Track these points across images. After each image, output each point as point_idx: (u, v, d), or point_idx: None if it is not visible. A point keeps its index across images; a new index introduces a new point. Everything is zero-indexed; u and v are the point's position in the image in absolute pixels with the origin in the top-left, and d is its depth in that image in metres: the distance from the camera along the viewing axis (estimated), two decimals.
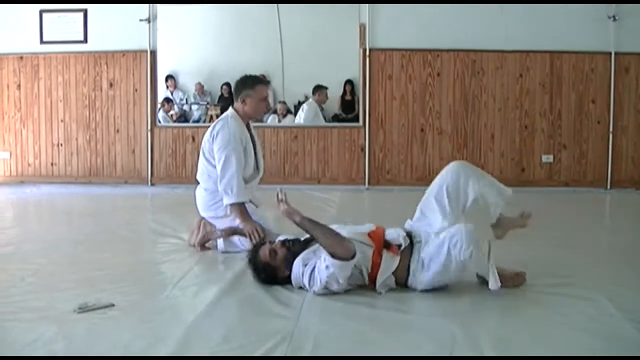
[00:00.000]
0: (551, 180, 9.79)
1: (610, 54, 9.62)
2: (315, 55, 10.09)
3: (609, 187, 9.82)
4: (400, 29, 9.71)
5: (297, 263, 4.32)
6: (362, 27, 9.70)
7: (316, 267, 4.21)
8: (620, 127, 9.78)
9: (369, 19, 9.68)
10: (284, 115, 10.23)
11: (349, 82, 10.05)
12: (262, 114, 5.75)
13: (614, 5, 9.43)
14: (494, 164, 9.75)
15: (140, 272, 5.05)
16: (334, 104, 10.22)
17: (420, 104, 9.81)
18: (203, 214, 5.74)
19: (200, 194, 5.76)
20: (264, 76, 5.75)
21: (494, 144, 9.76)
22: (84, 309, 3.89)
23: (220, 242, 5.62)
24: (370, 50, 9.73)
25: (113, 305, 4.00)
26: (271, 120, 10.19)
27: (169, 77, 10.30)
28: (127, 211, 8.09)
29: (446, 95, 9.77)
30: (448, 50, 9.72)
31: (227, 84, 10.25)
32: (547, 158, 9.79)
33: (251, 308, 4.11)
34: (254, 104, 5.51)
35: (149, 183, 10.09)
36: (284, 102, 10.25)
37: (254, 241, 5.28)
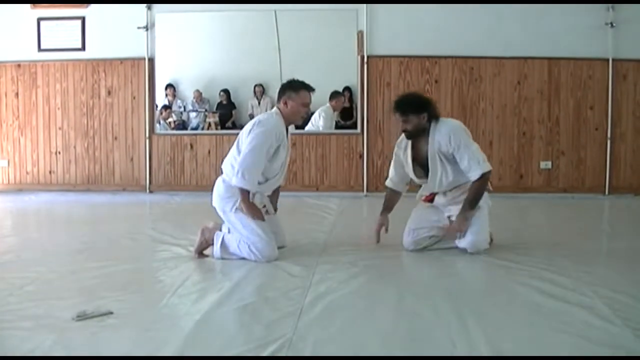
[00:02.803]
0: (549, 186, 9.80)
1: (608, 60, 9.65)
2: (313, 62, 10.07)
3: (607, 193, 9.83)
4: (398, 35, 9.74)
5: None
6: (360, 34, 9.71)
7: None
8: (619, 133, 9.81)
9: (367, 26, 9.69)
10: None
11: (347, 89, 10.06)
12: (299, 120, 5.71)
13: (611, 12, 9.47)
14: (492, 171, 9.74)
15: (139, 280, 5.05)
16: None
17: None
18: (214, 203, 5.71)
19: (219, 183, 5.72)
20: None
21: (492, 151, 9.74)
22: (82, 317, 3.87)
23: (217, 250, 5.61)
24: (368, 57, 9.75)
25: (112, 313, 3.99)
26: None
27: (168, 86, 10.31)
28: (126, 219, 8.07)
29: (444, 102, 9.77)
30: (446, 57, 9.75)
31: (226, 91, 10.28)
32: (546, 164, 9.81)
33: (249, 316, 4.09)
34: (295, 107, 5.55)
35: (148, 191, 10.09)
36: None
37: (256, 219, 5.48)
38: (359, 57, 9.78)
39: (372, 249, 5.64)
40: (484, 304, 4.35)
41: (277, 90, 5.69)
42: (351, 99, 10.06)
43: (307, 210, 8.14)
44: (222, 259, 5.55)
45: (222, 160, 5.74)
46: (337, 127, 10.14)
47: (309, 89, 5.63)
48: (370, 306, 4.30)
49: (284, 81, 5.78)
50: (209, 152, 10.00)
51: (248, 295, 4.53)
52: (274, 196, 5.95)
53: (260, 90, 10.15)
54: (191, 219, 7.36)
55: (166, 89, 10.31)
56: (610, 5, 9.49)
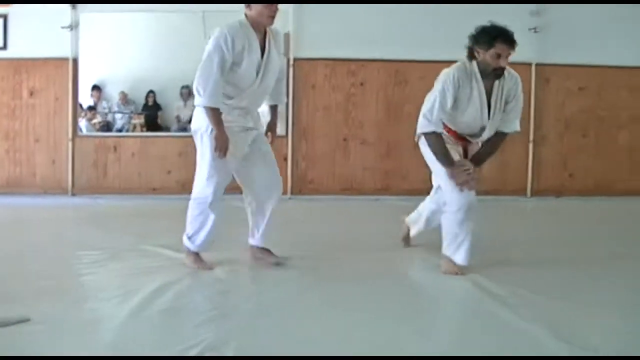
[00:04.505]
0: None
1: (531, 65, 9.80)
2: None
3: (529, 195, 9.99)
4: (325, 38, 9.72)
5: None
6: (287, 36, 9.68)
7: None
8: (541, 136, 9.97)
9: (294, 28, 9.67)
10: None
11: None
12: (267, 20, 5.11)
13: (535, 18, 9.62)
14: (417, 174, 9.75)
15: (62, 284, 4.96)
16: None
17: (343, 114, 9.83)
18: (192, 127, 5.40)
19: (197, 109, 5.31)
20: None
21: (417, 154, 9.74)
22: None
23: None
24: (294, 59, 9.74)
25: (29, 319, 3.93)
26: None
27: (94, 88, 10.18)
28: (49, 223, 7.92)
29: (369, 105, 9.82)
30: (372, 60, 9.77)
31: (152, 92, 10.21)
32: None
33: (171, 320, 4.08)
34: (259, 8, 5.06)
35: (70, 194, 9.93)
36: None
37: (216, 153, 5.09)
38: (286, 59, 9.75)
39: (299, 252, 5.65)
40: (415, 306, 4.41)
41: None
42: None
43: (229, 214, 8.11)
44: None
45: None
46: None
47: None
48: (296, 310, 4.32)
49: None
50: (133, 154, 9.84)
51: (170, 299, 4.51)
52: (272, 118, 5.66)
53: (186, 92, 10.09)
54: (115, 223, 7.29)
55: (92, 90, 10.17)
56: (534, 8, 9.64)
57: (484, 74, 5.29)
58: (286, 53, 9.66)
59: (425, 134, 5.39)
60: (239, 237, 6.62)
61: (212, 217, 5.34)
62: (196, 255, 5.46)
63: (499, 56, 5.21)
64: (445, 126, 5.46)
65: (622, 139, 10.30)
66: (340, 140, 9.85)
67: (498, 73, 5.24)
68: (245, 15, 5.18)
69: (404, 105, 9.79)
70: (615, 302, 4.63)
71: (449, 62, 9.51)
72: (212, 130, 5.06)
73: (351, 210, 8.92)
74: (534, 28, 9.70)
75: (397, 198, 9.38)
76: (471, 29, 9.54)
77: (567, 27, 9.86)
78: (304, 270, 5.41)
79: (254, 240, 5.63)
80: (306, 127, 9.85)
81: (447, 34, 9.59)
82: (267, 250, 5.59)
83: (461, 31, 9.59)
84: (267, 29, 5.24)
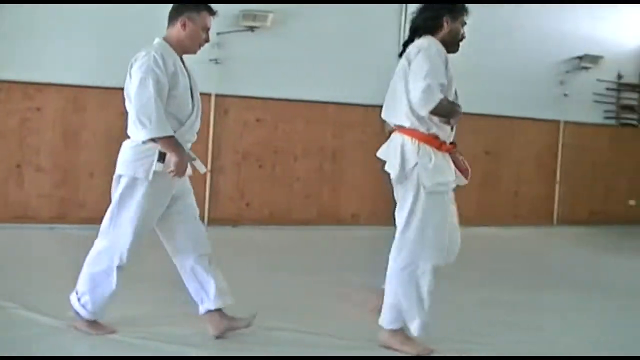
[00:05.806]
0: None
1: (211, 95, 9.92)
2: None
3: (206, 224, 9.96)
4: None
5: None
6: None
7: None
8: (218, 166, 10.10)
9: None
10: None
11: None
12: (196, 48, 4.66)
13: (216, 49, 9.71)
14: (95, 202, 9.11)
15: None
16: None
17: (17, 139, 9.28)
18: (118, 171, 4.60)
19: (124, 149, 4.58)
20: None
21: (92, 181, 9.48)
22: None
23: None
24: None
25: None
26: None
27: None
28: None
29: (46, 131, 9.47)
30: (50, 85, 9.43)
31: None
32: None
33: None
34: (195, 31, 4.57)
35: None
36: None
37: (174, 175, 4.46)
38: None
39: None
40: None
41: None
42: None
43: None
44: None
45: None
46: None
47: (211, 11, 4.64)
48: None
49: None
50: None
51: None
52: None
53: None
54: None
55: None
56: (216, 40, 9.76)
57: (447, 47, 4.58)
58: None
59: (436, 107, 4.36)
60: None
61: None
62: (93, 322, 4.66)
63: (464, 24, 4.65)
64: (434, 138, 4.56)
65: (297, 170, 10.67)
66: (14, 166, 9.38)
67: (460, 43, 4.67)
68: (167, 38, 4.63)
69: (82, 132, 9.55)
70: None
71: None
72: (146, 176, 4.46)
73: (24, 240, 8.61)
74: (215, 59, 9.83)
75: (73, 227, 9.11)
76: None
77: (248, 60, 10.12)
78: None
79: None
80: None
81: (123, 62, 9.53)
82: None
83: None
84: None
